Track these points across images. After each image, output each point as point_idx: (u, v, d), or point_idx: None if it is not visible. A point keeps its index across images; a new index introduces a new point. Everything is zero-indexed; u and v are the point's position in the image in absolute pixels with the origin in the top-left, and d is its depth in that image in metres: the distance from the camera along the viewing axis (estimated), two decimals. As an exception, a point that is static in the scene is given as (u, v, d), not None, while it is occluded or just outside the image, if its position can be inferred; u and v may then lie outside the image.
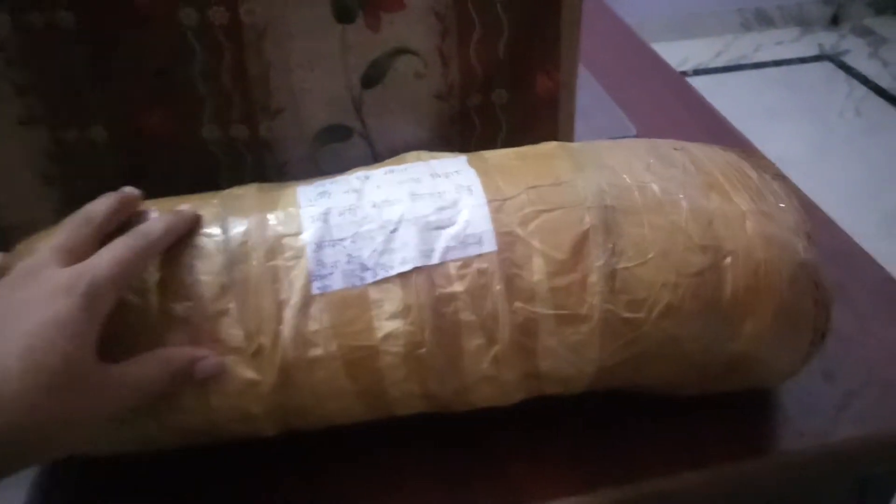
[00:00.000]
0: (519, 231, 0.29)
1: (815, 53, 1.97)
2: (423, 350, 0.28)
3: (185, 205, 0.31)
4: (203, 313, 0.28)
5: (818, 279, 0.31)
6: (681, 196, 0.30)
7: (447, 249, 0.29)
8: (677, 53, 1.88)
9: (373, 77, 0.36)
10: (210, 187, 0.33)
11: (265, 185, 0.33)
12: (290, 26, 0.34)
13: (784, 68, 1.91)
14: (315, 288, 0.28)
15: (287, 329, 0.28)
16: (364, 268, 0.28)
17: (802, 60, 1.94)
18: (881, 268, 0.44)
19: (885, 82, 1.82)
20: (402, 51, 0.36)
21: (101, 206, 0.29)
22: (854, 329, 0.39)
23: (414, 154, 0.34)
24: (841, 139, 1.63)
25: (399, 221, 0.29)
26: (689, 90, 0.63)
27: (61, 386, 0.24)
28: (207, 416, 0.29)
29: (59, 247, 0.27)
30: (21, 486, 0.32)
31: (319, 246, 0.29)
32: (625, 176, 0.31)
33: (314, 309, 0.28)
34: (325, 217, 0.29)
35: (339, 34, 0.35)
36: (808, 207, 0.34)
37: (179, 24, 0.33)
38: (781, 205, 0.32)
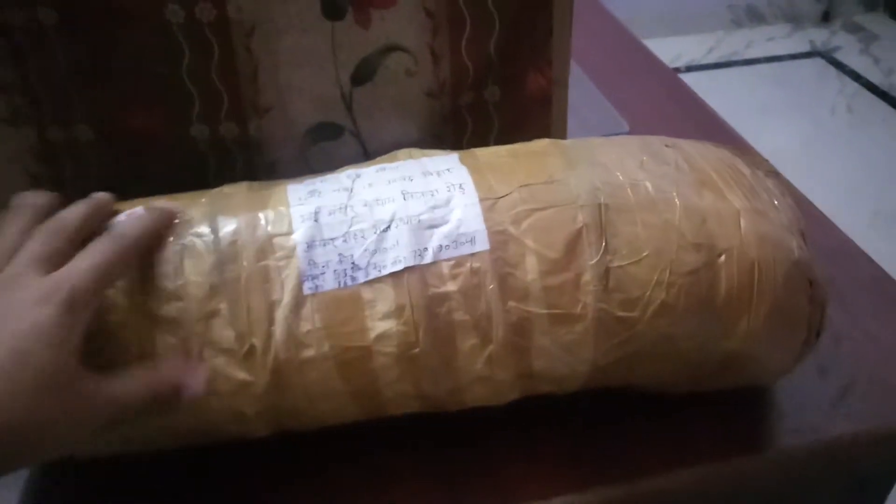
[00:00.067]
0: (512, 230, 0.29)
1: (806, 50, 1.98)
2: (417, 350, 0.28)
3: (165, 202, 0.30)
4: (194, 314, 0.28)
5: (813, 277, 0.31)
6: (674, 194, 0.30)
7: (440, 249, 0.28)
8: (669, 50, 1.89)
9: (363, 75, 0.36)
10: (199, 186, 0.33)
11: (255, 184, 0.32)
12: (279, 23, 0.34)
13: (775, 65, 1.91)
14: (306, 288, 0.28)
15: (279, 330, 0.28)
16: (356, 267, 0.28)
17: (794, 57, 1.95)
18: (875, 264, 0.44)
19: (876, 78, 1.83)
20: (392, 48, 0.36)
21: (74, 212, 0.28)
22: (848, 325, 0.39)
23: (405, 151, 0.33)
24: (832, 135, 1.64)
25: (391, 220, 0.29)
26: (682, 87, 0.63)
27: (42, 393, 0.23)
28: (200, 416, 0.28)
29: (36, 255, 0.26)
30: (16, 487, 0.32)
31: (310, 245, 0.28)
32: (618, 174, 0.31)
33: (306, 309, 0.28)
34: (315, 216, 0.29)
35: (328, 31, 0.35)
36: (801, 204, 0.34)
37: (166, 21, 0.33)
38: (775, 202, 0.32)
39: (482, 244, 0.28)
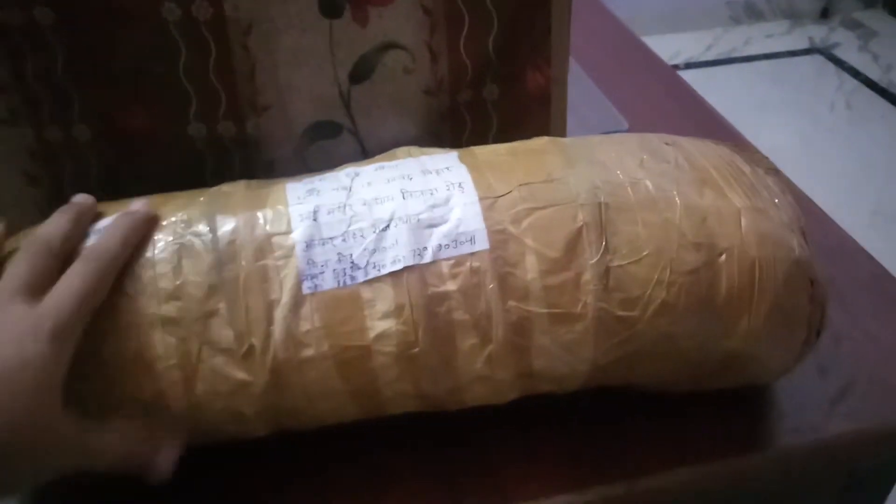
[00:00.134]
0: (511, 229, 0.29)
1: (805, 46, 1.98)
2: (416, 350, 0.28)
3: (143, 203, 0.30)
4: (192, 314, 0.27)
5: (813, 276, 0.31)
6: (674, 193, 0.30)
7: (439, 248, 0.28)
8: (668, 47, 1.88)
9: (361, 73, 0.36)
10: (197, 185, 0.33)
11: (253, 182, 0.32)
12: (276, 21, 0.34)
13: (774, 61, 1.91)
14: (305, 287, 0.28)
15: (278, 329, 0.27)
16: (355, 267, 0.28)
17: (792, 53, 1.95)
18: (875, 262, 0.44)
19: (875, 75, 1.83)
20: (390, 45, 0.36)
21: (57, 227, 0.28)
22: (848, 325, 0.39)
23: (404, 150, 0.33)
24: (831, 132, 1.64)
25: (390, 219, 0.29)
26: (681, 84, 0.63)
27: (21, 429, 0.23)
28: (199, 417, 0.28)
29: (23, 283, 0.26)
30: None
31: (309, 245, 0.28)
32: (618, 172, 0.31)
33: (305, 309, 0.28)
34: (314, 215, 0.29)
35: (326, 29, 0.35)
36: (800, 201, 0.34)
37: (162, 19, 0.33)
38: (776, 200, 0.32)
39: (482, 243, 0.28)
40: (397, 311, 0.28)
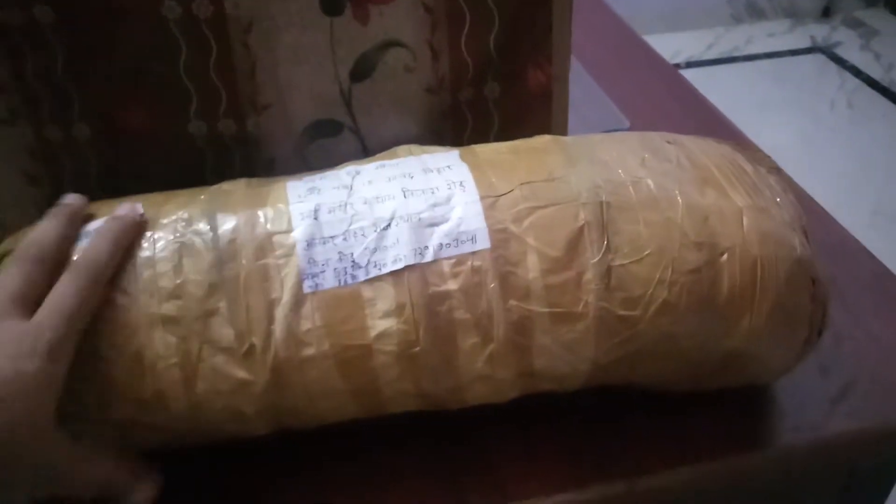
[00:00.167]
0: (513, 228, 0.29)
1: (806, 45, 1.97)
2: (417, 349, 0.28)
3: (132, 204, 0.29)
4: (193, 313, 0.27)
5: (815, 275, 0.31)
6: (676, 192, 0.30)
7: (440, 247, 0.28)
8: (669, 46, 1.88)
9: (362, 71, 0.36)
10: (197, 184, 0.33)
11: (254, 181, 0.32)
12: (277, 19, 0.34)
13: (776, 60, 1.91)
14: (306, 286, 0.28)
15: (279, 328, 0.27)
16: (356, 266, 0.28)
17: (794, 52, 1.94)
18: (876, 260, 0.44)
19: (876, 74, 1.83)
20: (391, 44, 0.35)
21: (48, 233, 0.28)
22: (849, 324, 0.39)
23: (405, 148, 0.33)
24: (833, 131, 1.64)
25: (391, 218, 0.29)
26: (682, 82, 0.63)
27: (15, 448, 0.23)
28: (199, 416, 0.28)
29: (16, 294, 0.26)
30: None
31: (310, 244, 0.28)
32: (619, 171, 0.31)
33: (306, 308, 0.28)
34: (315, 214, 0.29)
35: (326, 27, 0.34)
36: (802, 200, 0.34)
37: (162, 17, 0.33)
38: (777, 199, 0.32)
39: (483, 242, 0.28)
40: (398, 311, 0.28)
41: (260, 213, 0.29)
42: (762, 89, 1.78)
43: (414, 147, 0.33)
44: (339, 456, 0.33)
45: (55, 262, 0.27)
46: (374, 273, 0.28)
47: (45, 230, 0.28)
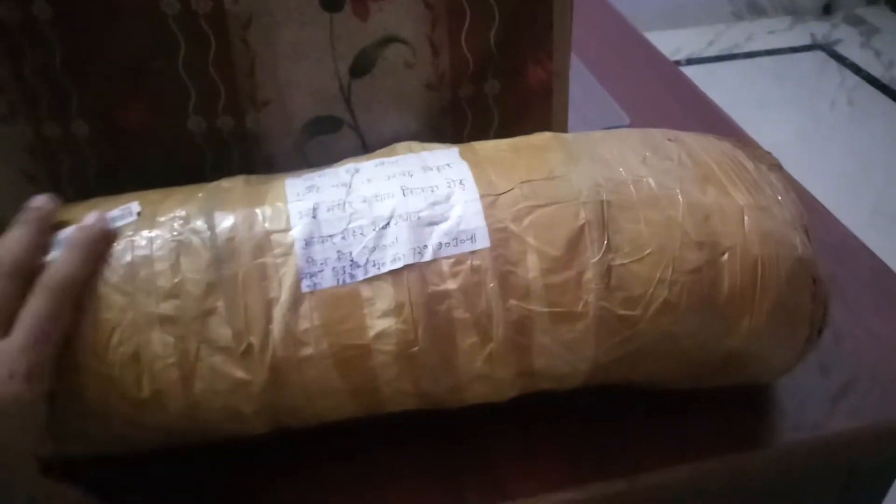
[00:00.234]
0: (513, 227, 0.28)
1: (807, 43, 1.97)
2: (416, 349, 0.28)
3: (94, 217, 0.28)
4: (190, 312, 0.27)
5: (816, 275, 0.30)
6: (677, 190, 0.30)
7: (440, 246, 0.28)
8: (669, 43, 1.87)
9: (361, 67, 0.36)
10: (196, 180, 0.32)
11: (252, 178, 0.32)
12: (276, 15, 0.33)
13: (776, 58, 1.90)
14: (304, 286, 0.27)
15: (277, 328, 0.27)
16: (355, 265, 0.28)
17: (794, 50, 1.94)
18: (877, 259, 0.44)
19: (877, 72, 1.82)
20: (391, 39, 0.35)
21: (22, 246, 0.27)
22: (849, 322, 0.39)
23: (405, 145, 0.33)
24: (833, 129, 1.63)
25: (390, 217, 0.29)
26: (683, 79, 0.63)
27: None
28: (197, 415, 0.28)
29: None
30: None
31: (308, 242, 0.28)
32: (620, 169, 0.30)
33: (304, 307, 0.27)
34: (313, 212, 0.29)
35: (326, 23, 0.34)
36: (802, 197, 0.33)
37: (161, 13, 0.32)
38: (779, 197, 0.31)
39: (483, 242, 0.28)
40: (397, 310, 0.28)
41: (258, 211, 0.29)
42: (762, 87, 1.78)
43: (413, 144, 0.33)
44: (338, 455, 0.33)
45: (28, 273, 0.27)
46: (372, 272, 0.28)
47: (17, 240, 0.27)
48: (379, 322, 0.28)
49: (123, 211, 0.30)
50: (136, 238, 0.28)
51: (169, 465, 0.31)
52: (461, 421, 0.32)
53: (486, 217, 0.28)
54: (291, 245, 0.28)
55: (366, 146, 0.38)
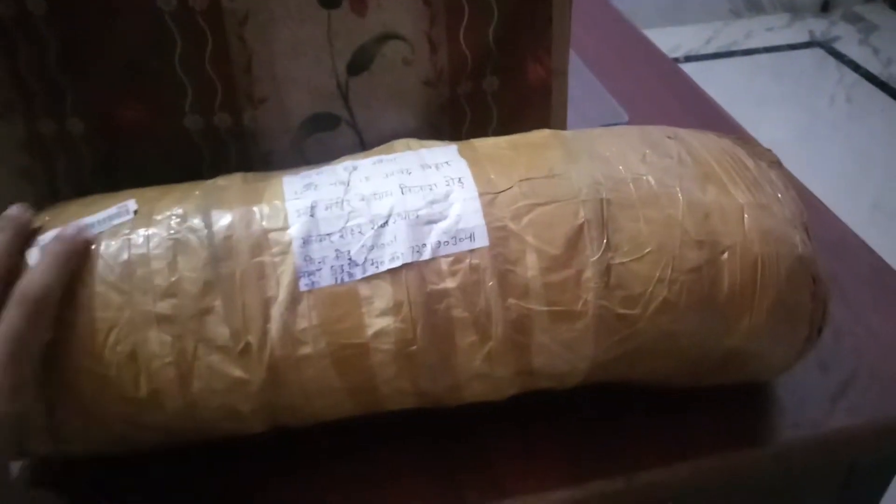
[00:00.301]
0: (512, 225, 0.28)
1: (805, 40, 1.97)
2: (415, 347, 0.28)
3: (73, 228, 0.28)
4: (188, 311, 0.27)
5: (816, 273, 0.30)
6: (677, 189, 0.30)
7: (438, 245, 0.28)
8: (668, 40, 1.87)
9: (359, 64, 0.35)
10: (193, 178, 0.32)
11: (250, 176, 0.32)
12: (273, 11, 0.33)
13: (774, 55, 1.90)
14: (302, 284, 0.27)
15: (275, 327, 0.27)
16: (353, 264, 0.28)
17: (793, 47, 1.94)
18: (876, 256, 0.44)
19: (875, 69, 1.82)
20: (389, 36, 0.35)
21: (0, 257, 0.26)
22: (849, 319, 0.39)
23: (403, 142, 0.33)
24: (831, 126, 1.63)
25: (389, 215, 0.28)
26: (682, 77, 0.63)
27: None
28: (194, 415, 0.28)
29: None
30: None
31: (306, 241, 0.28)
32: (620, 167, 0.30)
33: (302, 306, 0.27)
34: (311, 210, 0.29)
35: (323, 19, 0.34)
36: (801, 195, 0.33)
37: (157, 9, 0.32)
38: (779, 195, 0.31)
39: (482, 240, 0.28)
40: (396, 309, 0.27)
41: (255, 209, 0.29)
42: (761, 84, 1.78)
43: (412, 141, 0.33)
44: (336, 453, 0.33)
45: (5, 283, 0.26)
46: (371, 271, 0.28)
47: None
48: (377, 321, 0.27)
49: (120, 209, 0.29)
50: (133, 236, 0.28)
51: (168, 464, 0.31)
52: (460, 419, 0.32)
53: (485, 215, 0.28)
54: (289, 243, 0.28)
55: (364, 143, 0.38)
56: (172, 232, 0.28)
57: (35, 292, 0.26)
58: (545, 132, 0.33)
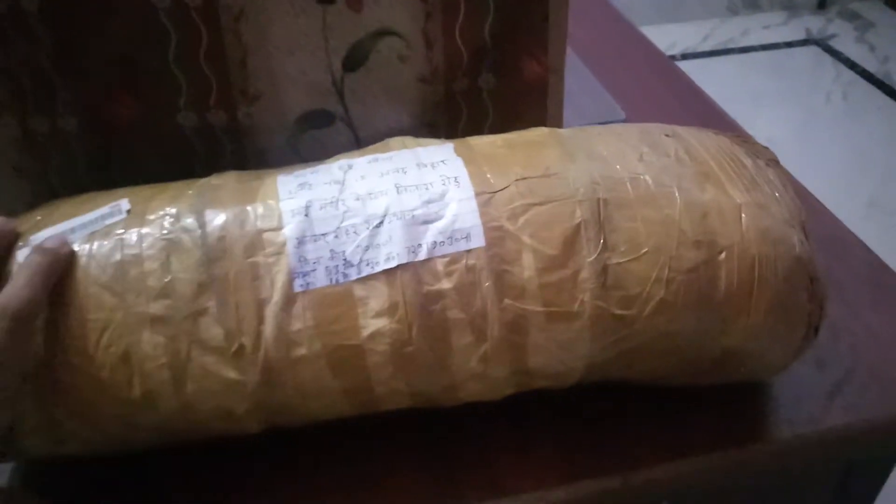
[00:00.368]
0: (508, 226, 0.28)
1: (802, 38, 1.97)
2: (410, 349, 0.27)
3: (54, 240, 0.27)
4: (181, 312, 0.27)
5: (813, 273, 0.30)
6: (674, 188, 0.30)
7: (434, 245, 0.28)
8: (665, 37, 1.87)
9: (355, 60, 0.35)
10: (187, 175, 0.32)
11: (244, 174, 0.31)
12: (269, 7, 0.33)
13: (771, 52, 1.90)
14: (297, 285, 0.27)
15: (269, 328, 0.27)
16: (348, 264, 0.27)
17: (789, 45, 1.94)
18: (873, 254, 0.44)
19: (871, 67, 1.83)
20: (384, 32, 0.35)
21: None
22: (846, 317, 0.39)
23: (398, 140, 0.33)
24: (828, 123, 1.64)
25: (384, 215, 0.28)
26: (678, 74, 0.63)
27: None
28: (189, 415, 0.28)
29: None
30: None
31: (301, 241, 0.28)
32: (617, 166, 0.30)
33: (297, 307, 0.27)
34: (306, 210, 0.28)
35: (319, 15, 0.34)
36: (798, 193, 0.33)
37: (151, 5, 0.32)
38: (776, 195, 0.31)
39: (478, 241, 0.28)
40: (391, 310, 0.27)
41: (249, 209, 0.28)
42: (757, 81, 1.78)
43: (407, 139, 0.33)
44: (334, 453, 0.33)
45: None
46: (366, 272, 0.27)
47: None
48: (373, 322, 0.27)
49: (112, 208, 0.29)
50: (126, 236, 0.28)
51: (166, 464, 0.31)
52: (457, 418, 0.32)
53: (482, 215, 0.28)
54: (283, 244, 0.28)
55: (359, 140, 0.37)
56: (166, 232, 0.28)
57: (14, 307, 0.25)
58: (542, 130, 0.33)
